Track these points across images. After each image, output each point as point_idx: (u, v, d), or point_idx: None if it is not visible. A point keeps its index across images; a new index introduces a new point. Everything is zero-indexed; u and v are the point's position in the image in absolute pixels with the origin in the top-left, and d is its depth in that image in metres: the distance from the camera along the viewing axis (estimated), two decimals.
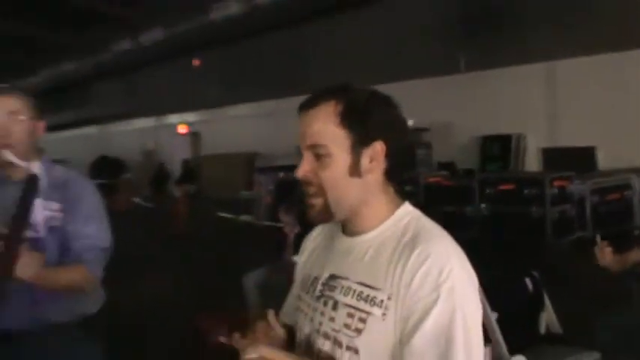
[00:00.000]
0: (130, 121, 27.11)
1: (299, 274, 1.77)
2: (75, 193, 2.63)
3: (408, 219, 1.55)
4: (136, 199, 20.69)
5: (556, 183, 10.75)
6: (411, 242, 1.48)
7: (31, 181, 2.40)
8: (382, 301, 1.46)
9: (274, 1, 16.15)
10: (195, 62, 21.24)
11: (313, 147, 1.53)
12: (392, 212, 1.56)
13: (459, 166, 14.01)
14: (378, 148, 1.52)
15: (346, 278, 1.54)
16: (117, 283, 7.79)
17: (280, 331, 1.64)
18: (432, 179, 12.41)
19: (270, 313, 1.65)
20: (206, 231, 14.06)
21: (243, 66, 18.83)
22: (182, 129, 23.47)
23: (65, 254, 2.58)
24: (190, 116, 22.61)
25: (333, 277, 1.58)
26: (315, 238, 1.78)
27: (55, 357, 2.57)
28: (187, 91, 21.42)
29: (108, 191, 21.53)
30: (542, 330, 4.06)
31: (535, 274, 4.15)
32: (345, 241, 1.60)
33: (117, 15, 20.88)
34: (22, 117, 2.53)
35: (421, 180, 12.19)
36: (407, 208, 1.58)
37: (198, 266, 9.89)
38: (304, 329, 1.63)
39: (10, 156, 2.49)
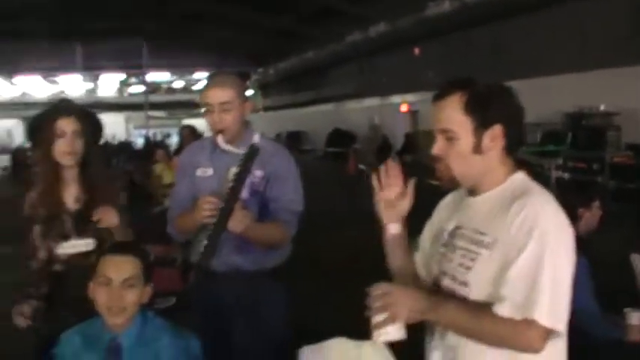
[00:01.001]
0: (359, 100, 29.35)
1: (430, 228, 2.12)
2: (276, 163, 3.00)
3: (518, 182, 1.86)
4: (362, 166, 22.35)
5: None
6: (515, 197, 1.79)
7: (253, 150, 2.71)
8: (489, 243, 1.78)
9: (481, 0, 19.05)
10: (415, 51, 24.02)
11: (444, 131, 1.84)
12: (507, 178, 1.86)
13: None
14: (497, 130, 1.80)
15: (465, 228, 1.89)
16: (338, 232, 10.75)
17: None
18: (617, 159, 13.42)
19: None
20: (418, 195, 16.29)
21: (454, 54, 21.02)
22: (403, 107, 25.47)
23: (263, 215, 2.95)
24: (410, 96, 24.38)
25: (456, 227, 1.93)
26: (447, 201, 2.10)
27: (246, 297, 3.01)
28: (408, 75, 23.88)
29: (340, 158, 25.03)
30: None
31: None
32: (468, 200, 1.94)
33: (351, 12, 25.08)
34: (231, 106, 2.90)
35: (608, 159, 13.41)
36: (519, 175, 1.88)
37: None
38: (433, 271, 1.98)
39: (220, 141, 2.91)
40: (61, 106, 3.06)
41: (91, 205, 2.92)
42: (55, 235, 2.94)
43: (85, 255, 2.89)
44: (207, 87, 3.02)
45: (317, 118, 33.82)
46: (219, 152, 3.01)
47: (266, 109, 44.72)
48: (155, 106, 43.84)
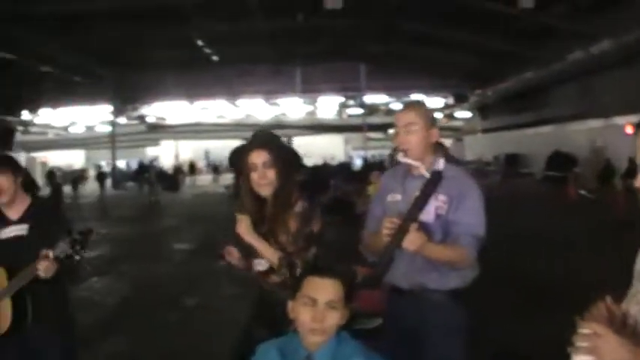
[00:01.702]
0: (581, 122, 28.79)
1: (637, 263, 1.98)
2: (460, 189, 3.25)
3: None
4: (582, 191, 23.02)
5: None
6: None
7: (435, 176, 3.03)
8: None
9: None
10: None
11: None
12: None
13: None
14: None
15: None
16: (551, 258, 10.94)
17: (619, 313, 1.82)
18: None
19: (608, 298, 1.84)
20: None
21: None
22: (628, 129, 23.28)
23: (446, 238, 3.19)
24: (636, 117, 23.30)
25: None
26: None
27: (428, 314, 3.26)
28: (633, 94, 23.11)
29: (560, 182, 24.74)
30: None
31: None
32: None
33: (571, 30, 25.03)
34: (415, 128, 3.25)
35: None
36: None
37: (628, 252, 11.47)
38: (631, 309, 1.88)
39: (404, 158, 3.27)
40: (254, 139, 3.49)
41: (269, 233, 3.38)
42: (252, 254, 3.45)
43: (264, 274, 3.40)
44: (397, 113, 3.45)
45: (536, 140, 33.62)
46: (410, 178, 3.34)
47: (484, 130, 44.98)
48: (373, 127, 45.66)
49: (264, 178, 3.35)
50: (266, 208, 3.44)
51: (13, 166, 3.84)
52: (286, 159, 3.45)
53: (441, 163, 3.13)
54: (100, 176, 37.89)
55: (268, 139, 3.51)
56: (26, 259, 3.45)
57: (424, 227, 3.07)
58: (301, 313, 2.50)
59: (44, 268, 3.38)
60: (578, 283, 8.22)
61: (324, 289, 2.50)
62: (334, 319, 2.49)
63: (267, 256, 3.35)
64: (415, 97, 43.79)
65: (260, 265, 3.41)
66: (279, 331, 2.87)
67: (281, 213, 3.35)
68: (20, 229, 3.73)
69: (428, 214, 3.14)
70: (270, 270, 3.37)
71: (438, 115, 49.34)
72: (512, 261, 10.09)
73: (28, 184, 3.94)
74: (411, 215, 2.99)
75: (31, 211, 3.81)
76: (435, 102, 46.79)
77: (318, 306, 2.48)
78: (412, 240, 2.96)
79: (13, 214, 3.79)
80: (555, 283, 8.59)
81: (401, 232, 2.95)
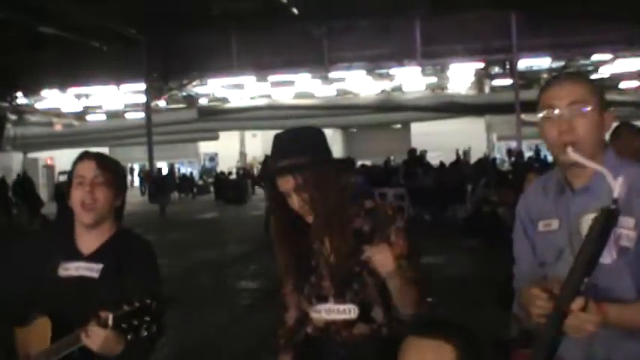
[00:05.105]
0: None
1: None
2: None
3: None
4: None
5: None
6: None
7: (612, 213, 2.42)
8: None
9: None
10: None
11: None
12: None
13: None
14: None
15: None
16: None
17: None
18: None
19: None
20: None
21: None
22: None
23: (639, 282, 2.73)
24: None
25: None
26: None
27: None
28: None
29: None
30: None
31: None
32: None
33: None
34: (587, 107, 2.82)
35: None
36: None
37: None
38: None
39: (574, 155, 2.76)
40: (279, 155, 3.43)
41: (350, 257, 3.25)
42: (309, 294, 3.39)
43: (345, 324, 3.30)
44: (550, 85, 3.00)
45: None
46: (568, 194, 2.94)
47: None
48: (530, 106, 38.73)
49: (299, 202, 3.38)
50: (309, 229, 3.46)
51: (119, 181, 3.71)
52: (322, 168, 3.40)
53: (633, 171, 2.79)
54: (160, 181, 36.75)
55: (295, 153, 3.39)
56: (87, 314, 3.15)
57: (603, 274, 2.64)
58: None
59: (94, 337, 3.07)
60: None
61: (420, 353, 2.51)
62: None
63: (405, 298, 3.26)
64: (599, 57, 40.40)
65: (336, 313, 3.33)
66: None
67: (381, 227, 3.32)
68: (89, 269, 3.55)
69: (606, 253, 2.62)
70: (360, 318, 3.31)
71: (633, 84, 47.15)
72: None
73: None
74: (572, 282, 2.45)
75: (110, 247, 3.63)
76: (626, 64, 42.00)
77: None
78: (577, 326, 2.49)
79: (86, 246, 3.63)
80: None
81: (558, 313, 2.48)
